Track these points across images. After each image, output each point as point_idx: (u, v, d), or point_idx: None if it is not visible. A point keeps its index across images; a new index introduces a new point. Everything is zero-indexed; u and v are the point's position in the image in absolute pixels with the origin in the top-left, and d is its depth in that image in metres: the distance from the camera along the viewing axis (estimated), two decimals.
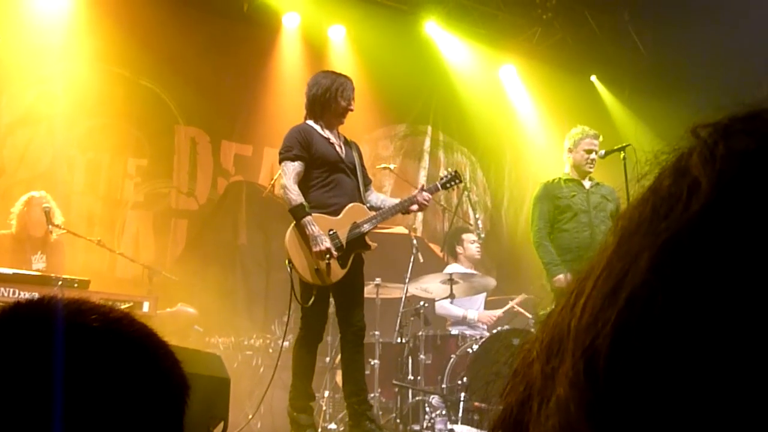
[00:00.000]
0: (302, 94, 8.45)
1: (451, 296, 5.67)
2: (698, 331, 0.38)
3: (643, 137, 9.55)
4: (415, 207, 4.68)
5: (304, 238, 4.38)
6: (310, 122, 4.62)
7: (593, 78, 9.97)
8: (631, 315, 0.39)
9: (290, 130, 4.61)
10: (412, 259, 5.64)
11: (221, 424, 3.18)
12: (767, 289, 0.37)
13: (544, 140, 9.47)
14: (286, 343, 5.96)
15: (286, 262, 4.44)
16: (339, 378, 5.85)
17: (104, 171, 7.60)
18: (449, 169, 5.01)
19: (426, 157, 9.39)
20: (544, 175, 9.87)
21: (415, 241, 5.83)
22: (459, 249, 6.93)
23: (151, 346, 0.89)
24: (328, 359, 6.09)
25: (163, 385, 0.88)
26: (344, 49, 8.68)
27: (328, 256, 4.32)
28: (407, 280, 5.54)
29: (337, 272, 4.42)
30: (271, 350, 6.04)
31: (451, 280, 5.68)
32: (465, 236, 6.90)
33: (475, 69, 9.33)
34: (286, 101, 8.41)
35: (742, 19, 8.07)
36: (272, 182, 7.00)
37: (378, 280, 5.74)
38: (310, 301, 4.39)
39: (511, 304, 6.64)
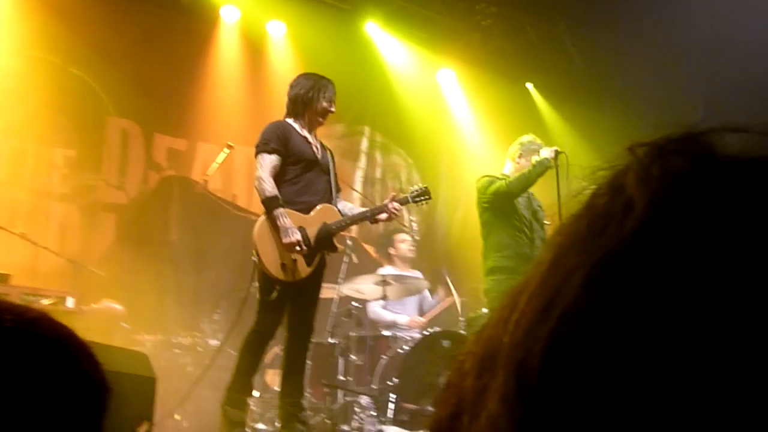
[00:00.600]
0: (240, 88, 8.45)
1: (384, 297, 5.68)
2: (628, 350, 0.38)
3: (575, 145, 9.77)
4: (383, 216, 4.72)
5: (274, 231, 4.36)
6: (290, 120, 4.65)
7: (529, 85, 10.14)
8: (563, 333, 0.39)
9: (269, 124, 4.65)
10: (345, 260, 5.62)
11: (146, 424, 3.11)
12: (696, 309, 0.37)
13: (479, 144, 9.59)
14: (215, 342, 5.88)
15: (253, 253, 4.41)
16: (269, 378, 5.79)
17: (29, 161, 7.33)
18: (420, 185, 5.09)
19: (363, 157, 9.39)
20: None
21: (349, 242, 5.82)
22: (391, 250, 6.96)
23: (70, 347, 0.85)
24: None
25: (82, 388, 0.84)
26: (283, 46, 8.61)
27: (297, 248, 4.30)
28: (341, 281, 5.51)
29: (303, 270, 4.42)
30: (199, 349, 5.93)
31: (384, 282, 5.69)
32: (396, 237, 6.94)
33: (414, 71, 9.37)
34: (223, 95, 8.30)
35: (676, 28, 8.33)
36: (205, 178, 6.88)
37: None
38: (273, 295, 4.33)
39: (439, 308, 6.69)
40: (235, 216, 7.04)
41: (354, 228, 8.88)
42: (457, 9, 9.16)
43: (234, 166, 8.36)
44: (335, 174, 4.83)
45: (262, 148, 4.49)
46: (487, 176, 5.61)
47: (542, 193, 5.76)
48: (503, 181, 5.41)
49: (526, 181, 5.33)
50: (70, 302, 4.64)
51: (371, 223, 5.05)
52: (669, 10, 8.19)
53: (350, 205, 4.96)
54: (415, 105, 9.30)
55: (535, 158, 5.42)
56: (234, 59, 8.38)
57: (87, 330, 4.34)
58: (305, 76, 4.80)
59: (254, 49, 8.41)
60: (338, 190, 4.86)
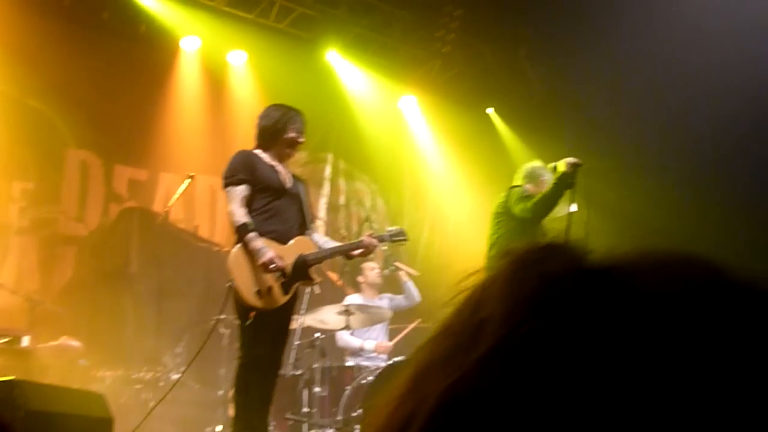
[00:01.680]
0: (201, 117, 8.42)
1: (347, 327, 5.66)
2: None
3: None
4: (359, 251, 4.66)
5: (248, 258, 4.28)
6: (258, 151, 4.60)
7: (490, 111, 10.25)
8: None
9: (235, 154, 4.57)
10: (307, 290, 5.59)
11: None
12: None
13: (442, 169, 9.66)
14: (177, 376, 5.80)
15: (229, 281, 4.33)
16: (232, 411, 5.72)
17: None
18: (396, 227, 5.11)
19: (326, 184, 9.40)
20: (443, 203, 10.11)
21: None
22: (360, 278, 6.98)
23: None
24: (221, 392, 5.95)
25: None
26: (245, 75, 8.61)
27: (273, 265, 4.22)
28: (303, 312, 5.49)
29: (279, 298, 4.34)
30: (161, 384, 5.84)
31: (347, 311, 5.68)
32: (365, 265, 6.96)
33: (376, 98, 9.43)
34: (184, 125, 8.26)
35: (634, 55, 8.49)
36: (167, 209, 6.82)
37: None
38: (247, 322, 4.25)
39: (405, 331, 6.70)
40: (196, 247, 6.99)
41: None
42: (417, 37, 9.26)
43: (196, 196, 8.31)
44: (308, 204, 4.76)
45: (229, 180, 4.42)
46: (519, 187, 5.47)
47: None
48: (529, 203, 5.26)
49: (551, 202, 5.23)
50: (25, 341, 4.54)
51: (347, 258, 4.96)
52: (629, 38, 8.35)
53: (324, 238, 4.88)
54: (377, 131, 9.35)
55: (547, 177, 5.36)
56: (195, 89, 8.36)
57: (44, 368, 4.25)
58: (274, 108, 4.73)
59: (215, 79, 8.41)
60: (312, 220, 4.78)
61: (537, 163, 5.73)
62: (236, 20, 8.30)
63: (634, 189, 8.84)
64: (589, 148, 9.56)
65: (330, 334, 6.15)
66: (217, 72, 8.46)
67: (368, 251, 4.68)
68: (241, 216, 4.31)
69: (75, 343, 5.49)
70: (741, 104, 7.74)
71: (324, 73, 9.01)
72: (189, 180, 6.81)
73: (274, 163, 4.56)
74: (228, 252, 7.16)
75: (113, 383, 5.67)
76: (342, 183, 9.51)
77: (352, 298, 6.71)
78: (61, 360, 5.28)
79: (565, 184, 5.15)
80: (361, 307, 5.99)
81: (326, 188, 9.36)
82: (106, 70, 7.84)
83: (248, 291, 4.25)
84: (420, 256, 9.68)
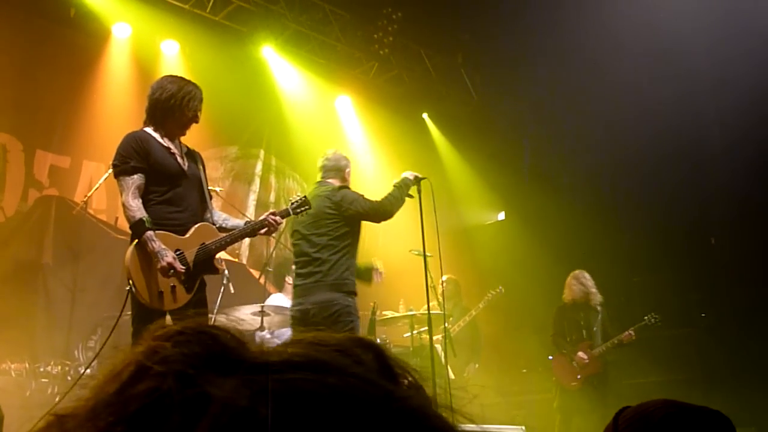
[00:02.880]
0: (130, 106, 8.24)
1: (262, 328, 5.62)
2: None
3: (464, 173, 10.01)
4: (263, 230, 4.31)
5: (147, 256, 3.92)
6: (149, 129, 4.16)
7: (425, 115, 10.33)
8: None
9: (125, 137, 4.10)
10: (221, 290, 5.54)
11: None
12: None
13: (375, 170, 9.68)
14: (89, 372, 5.67)
15: (128, 282, 3.93)
16: None
17: None
18: (298, 194, 4.69)
19: (257, 180, 9.31)
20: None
21: (226, 271, 5.71)
22: (289, 279, 6.88)
23: None
24: None
25: None
26: (177, 65, 8.46)
27: (171, 271, 3.89)
28: (215, 311, 5.43)
29: (182, 297, 3.99)
30: (69, 378, 5.70)
31: (262, 312, 5.64)
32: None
33: (312, 97, 9.39)
34: (112, 113, 8.06)
35: (567, 64, 8.66)
36: (85, 198, 6.66)
37: None
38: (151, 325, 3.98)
39: None
40: (114, 239, 6.83)
41: (245, 254, 8.79)
42: (355, 37, 9.25)
43: None
44: (206, 182, 4.35)
45: (121, 168, 4.00)
46: (346, 188, 5.20)
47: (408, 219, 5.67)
48: (374, 201, 5.08)
49: (400, 203, 5.13)
50: None
51: (250, 237, 4.68)
52: (565, 52, 8.52)
53: (224, 215, 4.46)
54: (311, 130, 9.31)
55: (395, 181, 5.28)
56: (124, 77, 8.18)
57: None
58: (170, 80, 4.26)
59: (145, 68, 8.23)
60: (210, 198, 4.40)
61: (336, 154, 5.47)
62: (170, 9, 8.16)
63: (557, 201, 9.02)
64: (516, 158, 9.75)
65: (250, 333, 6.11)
66: (147, 61, 8.28)
67: (272, 229, 4.34)
68: (137, 210, 3.92)
69: None
70: (670, 123, 7.98)
71: (258, 68, 8.92)
72: (112, 169, 6.67)
73: (167, 143, 4.14)
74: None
75: (18, 376, 5.51)
76: (273, 180, 9.44)
77: (275, 298, 6.65)
78: None
79: (407, 188, 5.22)
80: (278, 309, 5.95)
81: (256, 184, 9.28)
82: (31, 53, 7.61)
83: (149, 293, 3.92)
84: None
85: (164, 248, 3.93)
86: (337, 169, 5.36)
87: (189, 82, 4.28)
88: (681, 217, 8.19)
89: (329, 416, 0.43)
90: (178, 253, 4.03)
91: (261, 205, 9.21)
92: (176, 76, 4.37)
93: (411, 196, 5.26)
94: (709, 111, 7.99)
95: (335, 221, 5.03)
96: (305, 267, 5.00)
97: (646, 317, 6.95)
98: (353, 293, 5.03)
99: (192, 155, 4.34)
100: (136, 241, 3.96)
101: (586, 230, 8.63)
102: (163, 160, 4.08)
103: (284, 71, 9.14)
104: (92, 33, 8.01)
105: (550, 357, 7.47)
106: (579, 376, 6.95)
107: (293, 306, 5.08)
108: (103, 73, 8.12)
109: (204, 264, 4.12)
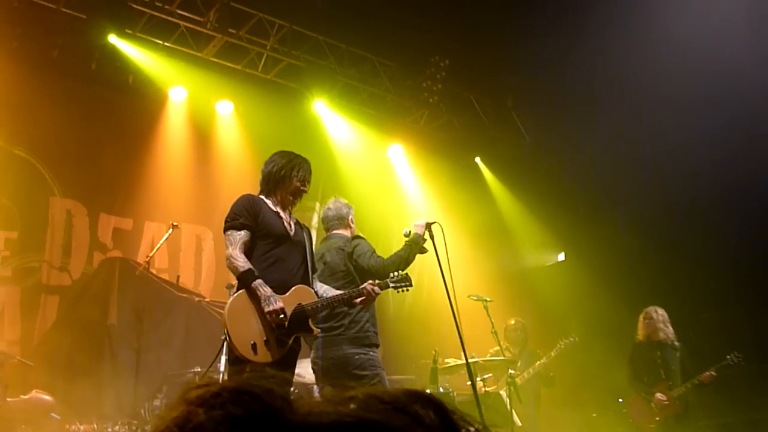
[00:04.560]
0: (188, 167, 8.46)
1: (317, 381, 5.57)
2: None
3: (522, 215, 9.90)
4: (361, 299, 4.45)
5: (246, 309, 4.09)
6: (262, 196, 4.46)
7: (477, 159, 10.30)
8: None
9: (239, 198, 4.42)
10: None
11: None
12: None
13: (430, 218, 9.63)
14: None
15: (223, 332, 4.12)
16: None
17: None
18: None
19: (314, 233, 9.37)
20: (431, 253, 10.08)
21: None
22: None
23: None
24: None
25: None
26: (232, 124, 8.68)
27: (281, 315, 4.07)
28: None
29: (275, 351, 4.10)
30: None
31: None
32: None
33: (364, 148, 9.48)
34: (171, 174, 8.29)
35: (617, 105, 8.56)
36: (147, 259, 6.80)
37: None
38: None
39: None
40: (177, 297, 6.94)
41: None
42: (404, 87, 9.35)
43: (181, 246, 8.31)
44: (312, 254, 4.55)
45: (230, 223, 4.26)
46: (361, 238, 5.14)
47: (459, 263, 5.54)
48: (381, 260, 4.96)
49: (406, 263, 4.94)
50: None
51: (349, 307, 4.83)
52: (611, 87, 8.43)
53: (326, 286, 4.60)
54: (365, 180, 9.38)
55: (405, 232, 5.08)
56: (181, 138, 8.41)
57: (14, 423, 4.17)
58: (280, 154, 4.59)
59: (202, 129, 8.47)
60: (314, 271, 4.56)
61: (336, 202, 5.45)
62: (224, 71, 8.40)
63: (617, 239, 8.83)
64: (572, 198, 9.61)
65: (307, 388, 6.07)
66: (204, 122, 8.52)
67: (370, 299, 4.49)
68: (244, 262, 4.14)
69: (46, 396, 5.41)
70: (737, 147, 7.78)
71: (311, 122, 9.07)
72: (172, 229, 6.82)
73: (277, 209, 4.42)
74: (210, 303, 7.11)
75: None
76: None
77: None
78: (32, 414, 5.20)
79: (419, 246, 4.99)
80: None
81: (314, 237, 9.32)
82: (92, 120, 7.91)
83: (243, 343, 4.05)
84: (406, 310, 9.68)
85: (275, 295, 4.10)
86: (340, 218, 5.38)
87: (298, 155, 4.61)
88: (747, 248, 7.92)
89: None
90: None
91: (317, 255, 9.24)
92: (287, 151, 4.66)
93: (425, 251, 5.05)
94: None
95: (351, 273, 5.03)
96: (326, 321, 4.99)
97: (729, 356, 6.67)
98: (375, 345, 5.00)
99: (301, 226, 4.61)
100: (240, 291, 4.14)
101: (649, 268, 8.42)
102: (271, 220, 4.33)
103: (336, 124, 9.27)
104: (150, 98, 8.28)
105: (621, 400, 7.19)
106: (657, 419, 6.70)
107: (313, 358, 5.06)
108: (162, 136, 8.37)
109: (299, 324, 4.23)
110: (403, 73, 9.36)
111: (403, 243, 5.08)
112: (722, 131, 7.61)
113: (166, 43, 7.94)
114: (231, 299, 4.16)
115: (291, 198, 4.48)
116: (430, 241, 5.02)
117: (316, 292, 4.42)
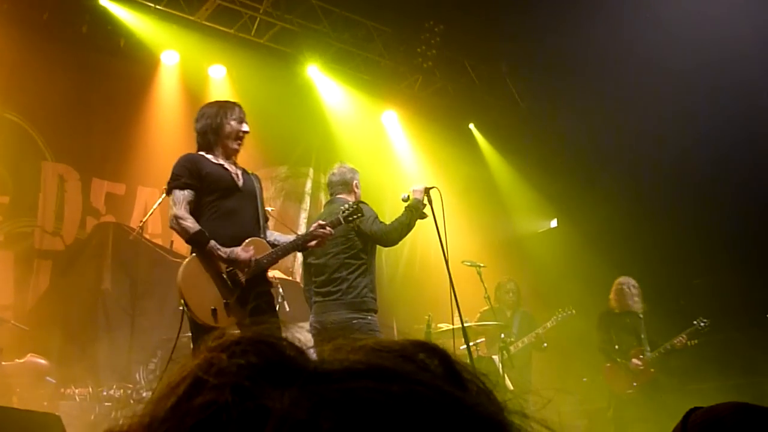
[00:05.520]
0: (180, 131, 8.40)
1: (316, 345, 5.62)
2: None
3: (515, 183, 9.92)
4: (314, 242, 4.30)
5: (201, 273, 3.93)
6: (202, 153, 4.30)
7: (471, 126, 10.28)
8: None
9: (179, 158, 4.25)
10: (277, 309, 5.55)
11: None
12: None
13: (427, 183, 9.64)
14: (149, 394, 5.75)
15: (180, 302, 3.95)
16: None
17: None
18: (350, 203, 4.65)
19: (307, 199, 9.38)
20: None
21: (281, 290, 5.74)
22: None
23: None
24: None
25: None
26: (224, 89, 8.61)
27: (253, 261, 3.98)
28: None
29: (238, 314, 3.94)
30: (132, 401, 5.79)
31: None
32: None
33: (358, 113, 9.44)
34: (163, 139, 8.23)
35: (612, 74, 8.52)
36: (141, 224, 6.79)
37: None
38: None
39: None
40: (171, 262, 6.94)
41: (299, 272, 8.84)
42: (398, 52, 9.28)
43: None
44: (262, 202, 4.38)
45: (173, 184, 4.09)
46: (363, 203, 4.91)
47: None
48: (384, 225, 4.89)
49: (408, 229, 4.94)
50: None
51: (302, 251, 4.78)
52: (606, 55, 8.38)
53: (276, 233, 4.43)
54: (359, 146, 9.34)
55: (404, 197, 5.06)
56: (174, 102, 8.35)
57: (9, 386, 4.20)
58: (208, 105, 4.44)
59: (194, 93, 8.39)
60: (266, 220, 4.40)
61: (341, 167, 5.31)
62: (216, 34, 8.31)
63: (611, 205, 8.86)
64: (565, 164, 9.61)
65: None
66: (196, 86, 8.44)
67: (322, 240, 4.32)
68: (193, 223, 3.96)
69: (42, 360, 5.44)
70: (731, 114, 7.77)
71: (305, 87, 9.01)
72: (165, 194, 6.79)
73: (220, 161, 4.25)
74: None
75: (82, 401, 5.62)
76: (323, 198, 9.48)
77: None
78: (27, 377, 5.23)
79: (419, 212, 4.97)
80: None
81: (307, 203, 9.34)
82: (84, 84, 7.84)
83: (204, 311, 3.90)
84: (399, 275, 9.72)
85: (234, 249, 3.97)
86: (344, 182, 5.24)
87: (227, 101, 4.45)
88: (740, 214, 7.96)
89: (394, 427, 0.41)
90: (229, 269, 4.01)
91: (312, 222, 9.24)
92: (214, 101, 4.53)
93: (425, 216, 5.03)
94: None
95: (350, 238, 4.93)
96: (324, 286, 4.94)
97: (695, 321, 6.80)
98: (373, 311, 4.93)
99: (249, 175, 4.41)
100: (191, 257, 4.01)
101: (641, 234, 8.46)
102: (216, 173, 4.16)
103: (330, 89, 9.22)
104: (142, 61, 8.20)
105: (585, 379, 7.24)
106: (635, 383, 6.77)
107: (311, 323, 5.02)
108: (154, 100, 8.31)
109: (257, 279, 4.11)
110: (397, 38, 9.28)
111: (401, 208, 5.07)
112: (718, 100, 7.60)
113: (158, 6, 7.83)
114: (182, 267, 3.99)
115: (234, 144, 4.29)
116: (429, 207, 5.01)
117: (269, 243, 4.26)
